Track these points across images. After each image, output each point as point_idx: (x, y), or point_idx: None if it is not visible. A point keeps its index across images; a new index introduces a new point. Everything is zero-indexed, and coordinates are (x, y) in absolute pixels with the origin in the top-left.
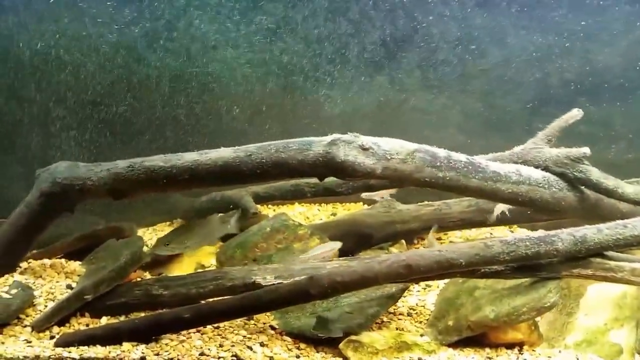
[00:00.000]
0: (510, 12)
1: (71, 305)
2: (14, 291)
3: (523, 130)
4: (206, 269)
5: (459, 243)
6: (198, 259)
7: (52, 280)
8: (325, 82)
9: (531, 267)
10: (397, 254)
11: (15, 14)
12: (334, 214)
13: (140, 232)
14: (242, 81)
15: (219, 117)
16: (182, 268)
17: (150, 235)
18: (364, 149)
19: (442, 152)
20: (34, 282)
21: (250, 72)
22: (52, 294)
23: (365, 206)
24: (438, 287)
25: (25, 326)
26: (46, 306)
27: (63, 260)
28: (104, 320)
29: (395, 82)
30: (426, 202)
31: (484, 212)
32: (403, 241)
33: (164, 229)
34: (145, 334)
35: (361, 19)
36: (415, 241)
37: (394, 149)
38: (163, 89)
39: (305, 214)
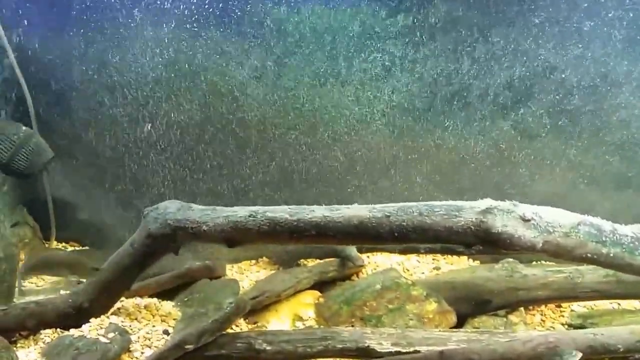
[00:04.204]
0: None
1: (172, 356)
2: (111, 335)
3: None
4: (314, 327)
5: (615, 327)
6: (295, 310)
7: (148, 324)
8: (440, 126)
9: None
10: (543, 335)
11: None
12: (437, 268)
13: None
14: (349, 122)
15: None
16: (279, 317)
17: (238, 276)
18: (525, 220)
19: (607, 226)
20: (130, 325)
21: (357, 111)
22: (149, 339)
23: (471, 261)
24: None
25: None
26: (142, 352)
27: (156, 300)
28: None
29: (519, 128)
30: (556, 268)
31: (624, 285)
32: (522, 308)
33: (248, 267)
34: None
35: (487, 58)
36: (531, 307)
37: (556, 220)
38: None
39: (404, 264)
